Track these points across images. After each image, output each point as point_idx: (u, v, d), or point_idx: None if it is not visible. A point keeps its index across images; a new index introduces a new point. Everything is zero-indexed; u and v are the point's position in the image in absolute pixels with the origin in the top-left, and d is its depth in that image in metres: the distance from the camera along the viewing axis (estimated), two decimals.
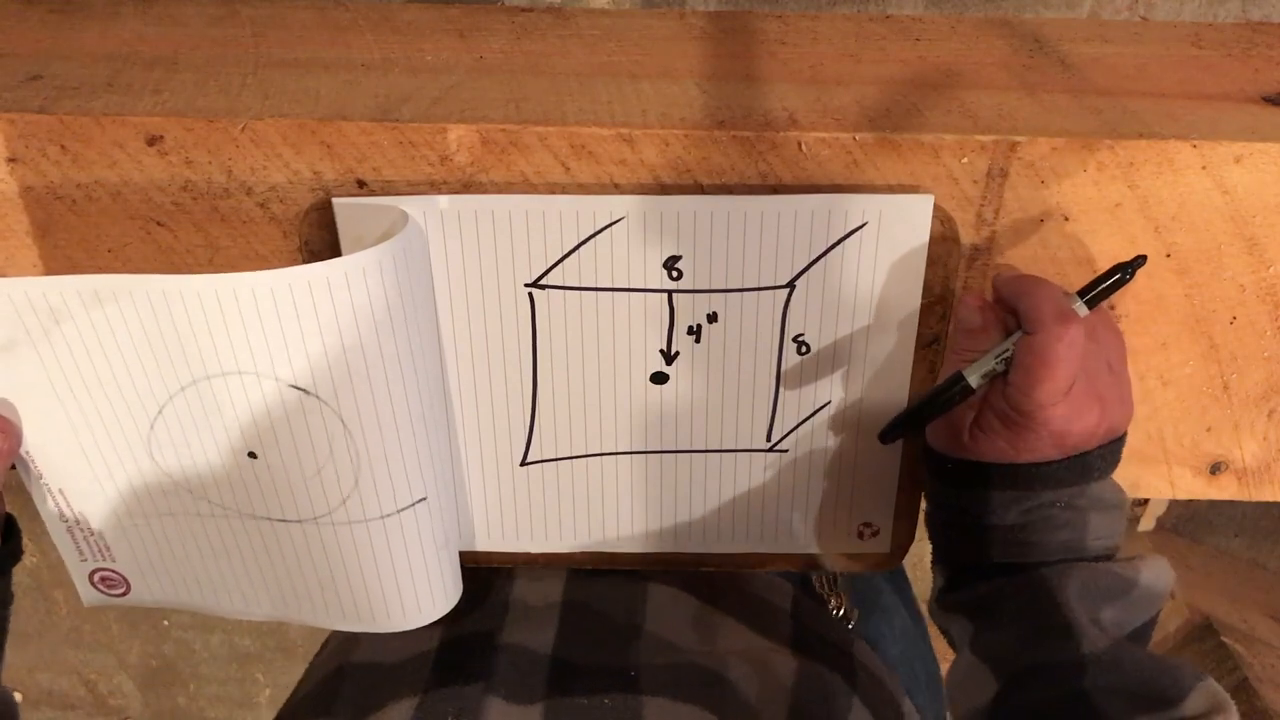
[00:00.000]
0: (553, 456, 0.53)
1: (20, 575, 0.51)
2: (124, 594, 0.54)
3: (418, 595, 0.51)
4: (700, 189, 0.47)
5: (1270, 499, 0.57)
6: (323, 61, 0.50)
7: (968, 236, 0.48)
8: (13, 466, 0.49)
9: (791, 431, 0.52)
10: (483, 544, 0.56)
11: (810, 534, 0.56)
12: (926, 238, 0.47)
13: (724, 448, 0.53)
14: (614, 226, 0.47)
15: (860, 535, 0.56)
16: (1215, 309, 0.51)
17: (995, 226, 0.48)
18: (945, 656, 0.55)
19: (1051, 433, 0.44)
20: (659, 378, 0.51)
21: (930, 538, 0.52)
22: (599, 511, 0.55)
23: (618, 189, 0.47)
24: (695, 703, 0.49)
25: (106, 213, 0.47)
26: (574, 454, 0.53)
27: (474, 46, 0.52)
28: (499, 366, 0.50)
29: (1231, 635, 1.30)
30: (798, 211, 0.46)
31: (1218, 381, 0.53)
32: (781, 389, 0.51)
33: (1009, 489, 0.46)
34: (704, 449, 0.53)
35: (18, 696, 0.51)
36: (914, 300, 0.49)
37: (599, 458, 0.53)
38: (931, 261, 0.48)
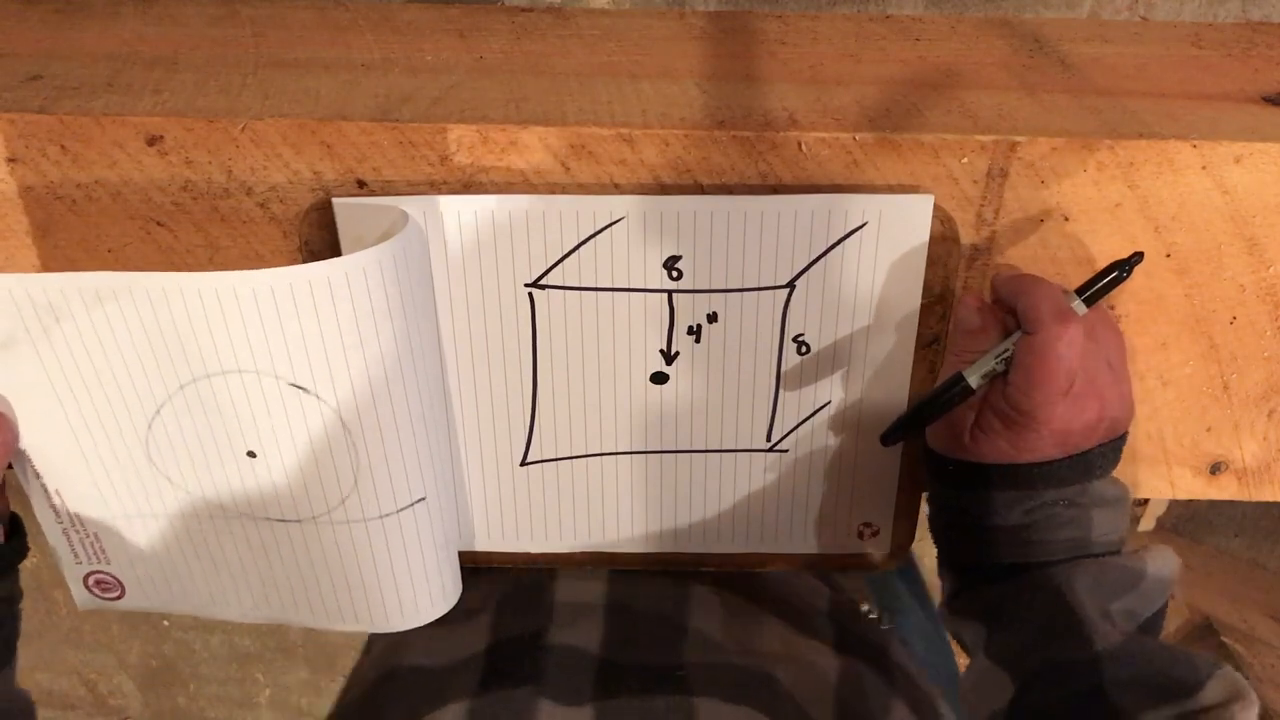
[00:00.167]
0: (553, 456, 0.53)
1: (20, 575, 0.50)
2: (118, 597, 0.54)
3: (416, 595, 0.51)
4: (700, 189, 0.47)
5: (1270, 499, 0.57)
6: (323, 61, 0.50)
7: (968, 236, 0.48)
8: (10, 466, 0.49)
9: (791, 431, 0.52)
10: (482, 544, 0.56)
11: (810, 534, 0.56)
12: (926, 238, 0.47)
13: (724, 448, 0.53)
14: (614, 226, 0.47)
15: (860, 535, 0.56)
16: (1215, 309, 0.51)
17: (995, 226, 0.48)
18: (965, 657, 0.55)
19: (1052, 431, 0.44)
20: (659, 378, 0.51)
21: (935, 541, 0.52)
22: (599, 511, 0.55)
23: (618, 189, 0.47)
24: (745, 703, 0.49)
25: (106, 213, 0.47)
26: (574, 454, 0.53)
27: (474, 46, 0.52)
28: (499, 366, 0.50)
29: (1231, 635, 1.30)
30: (798, 211, 0.46)
31: (1218, 381, 0.53)
32: (781, 389, 0.51)
33: (1011, 489, 0.45)
34: (704, 449, 0.53)
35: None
36: (914, 300, 0.49)
37: (599, 458, 0.53)
38: (931, 261, 0.48)
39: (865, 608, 0.60)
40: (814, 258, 0.48)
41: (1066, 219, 0.48)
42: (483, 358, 0.50)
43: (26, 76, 0.48)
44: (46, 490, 0.49)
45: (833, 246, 0.47)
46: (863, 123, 0.46)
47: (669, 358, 0.50)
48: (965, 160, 0.46)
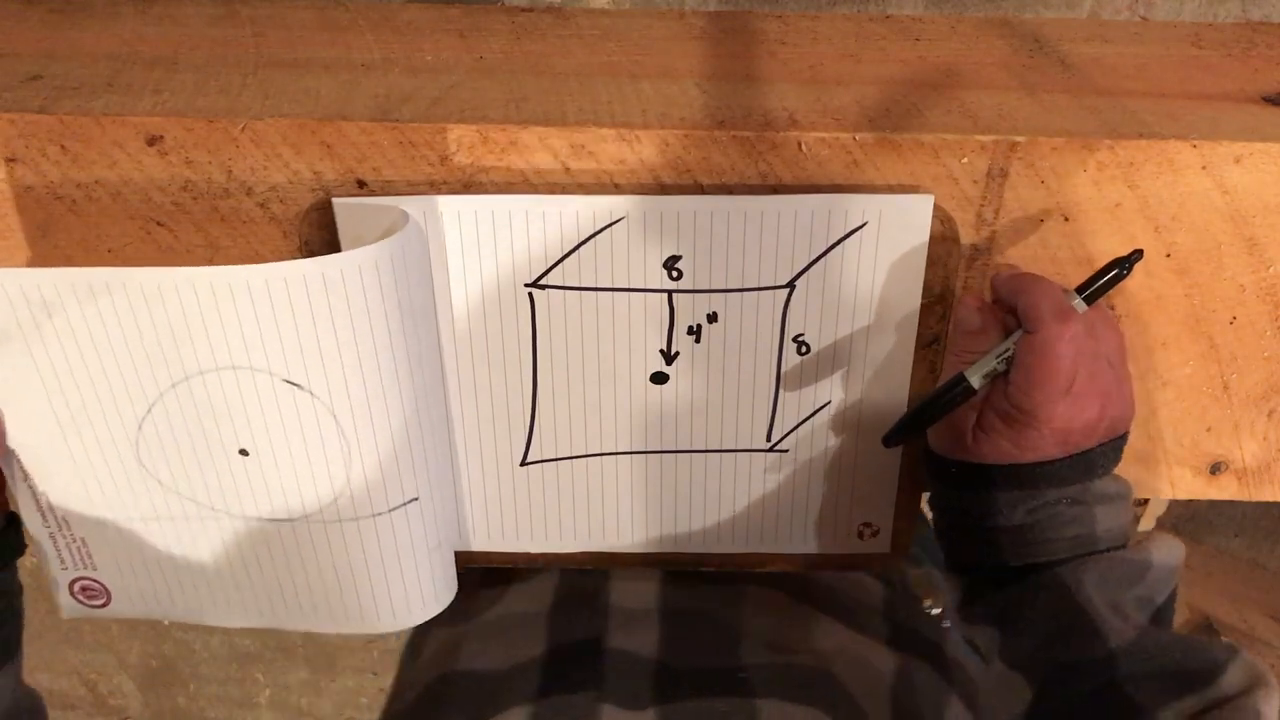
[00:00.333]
0: (553, 456, 0.53)
1: (21, 575, 0.50)
2: (104, 605, 0.53)
3: (407, 596, 0.51)
4: (700, 189, 0.47)
5: (1270, 499, 0.57)
6: (323, 61, 0.50)
7: (968, 236, 0.48)
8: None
9: (791, 431, 0.52)
10: (482, 544, 0.56)
11: (810, 534, 0.56)
12: (926, 238, 0.47)
13: (724, 448, 0.53)
14: (614, 226, 0.47)
15: (860, 535, 0.56)
16: (1215, 309, 0.51)
17: (995, 226, 0.48)
18: None
19: (1054, 430, 0.44)
20: (659, 378, 0.51)
21: (939, 545, 0.52)
22: (599, 511, 0.55)
23: (618, 189, 0.47)
24: (807, 703, 0.49)
25: (106, 213, 0.47)
26: (574, 454, 0.53)
27: (474, 46, 0.52)
28: (499, 366, 0.50)
29: (1231, 635, 1.30)
30: (798, 211, 0.46)
31: (1218, 381, 0.53)
32: (781, 389, 0.51)
33: (1014, 489, 0.45)
34: (704, 449, 0.53)
35: None
36: (914, 300, 0.49)
37: (599, 458, 0.53)
38: (931, 261, 0.48)
39: (928, 603, 0.60)
40: (814, 258, 0.48)
41: (1066, 219, 0.48)
42: (483, 358, 0.50)
43: (26, 76, 0.48)
44: (34, 492, 0.49)
45: (833, 246, 0.47)
46: (863, 123, 0.46)
47: (669, 358, 0.50)
48: (965, 160, 0.46)
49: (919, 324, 0.50)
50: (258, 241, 0.48)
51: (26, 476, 0.49)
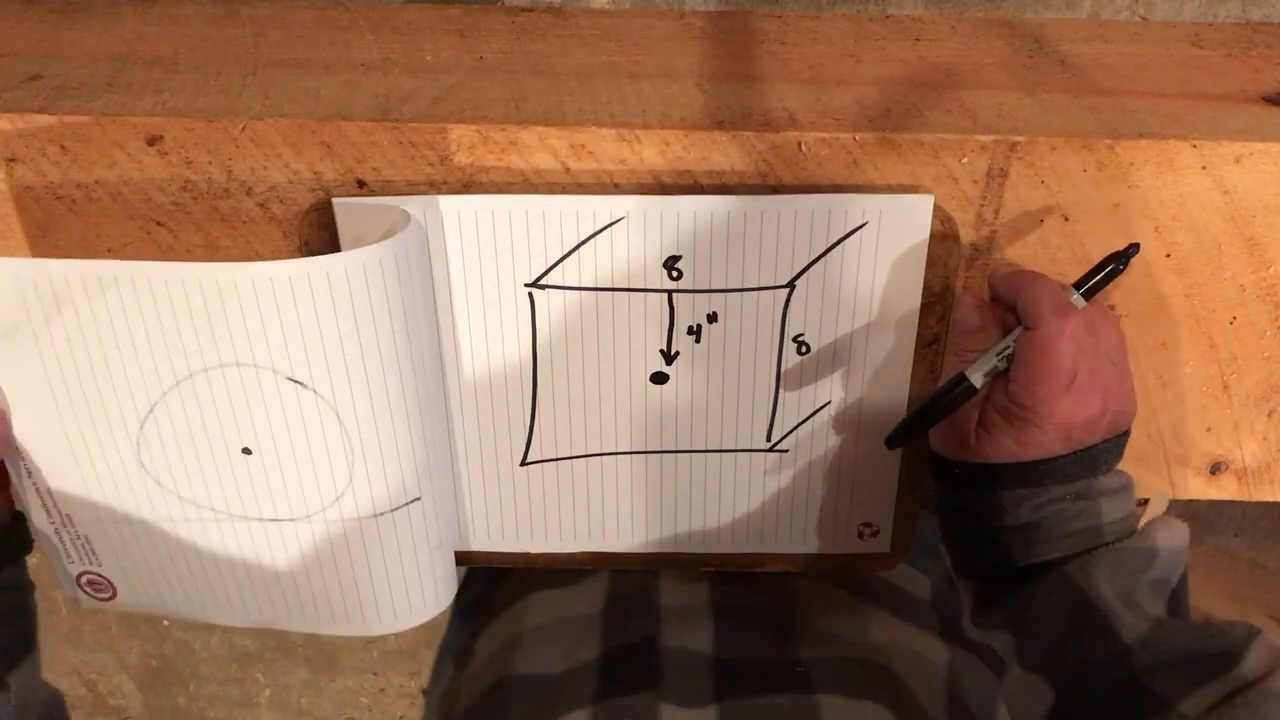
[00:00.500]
0: (553, 456, 0.53)
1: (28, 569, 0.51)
2: (110, 598, 0.54)
3: (409, 596, 0.51)
4: (700, 189, 0.47)
5: (1270, 499, 0.57)
6: (323, 61, 0.50)
7: (968, 236, 0.48)
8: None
9: (791, 431, 0.52)
10: (482, 544, 0.56)
11: (810, 534, 0.56)
12: (926, 237, 0.47)
13: (724, 448, 0.53)
14: (614, 226, 0.47)
15: (860, 535, 0.56)
16: (1215, 309, 0.51)
17: (995, 226, 0.48)
18: None
19: (1057, 426, 0.44)
20: (659, 378, 0.51)
21: (947, 550, 0.52)
22: (599, 512, 0.55)
23: (618, 189, 0.47)
24: (867, 697, 0.49)
25: (106, 213, 0.47)
26: (574, 454, 0.53)
27: (474, 46, 0.52)
28: (499, 366, 0.50)
29: None
30: (798, 211, 0.46)
31: (1218, 381, 0.53)
32: (781, 389, 0.51)
33: (1018, 487, 0.45)
34: (704, 449, 0.53)
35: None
36: (914, 300, 0.49)
37: (599, 458, 0.53)
38: (931, 261, 0.48)
39: None
40: (814, 258, 0.48)
41: (1066, 219, 0.48)
42: (483, 358, 0.50)
43: (26, 76, 0.48)
44: (38, 489, 0.49)
45: (833, 246, 0.47)
46: (863, 123, 0.46)
47: (669, 358, 0.50)
48: (965, 160, 0.46)
49: (919, 324, 0.50)
50: (258, 241, 0.48)
51: (30, 473, 0.49)
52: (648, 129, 0.45)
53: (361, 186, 0.46)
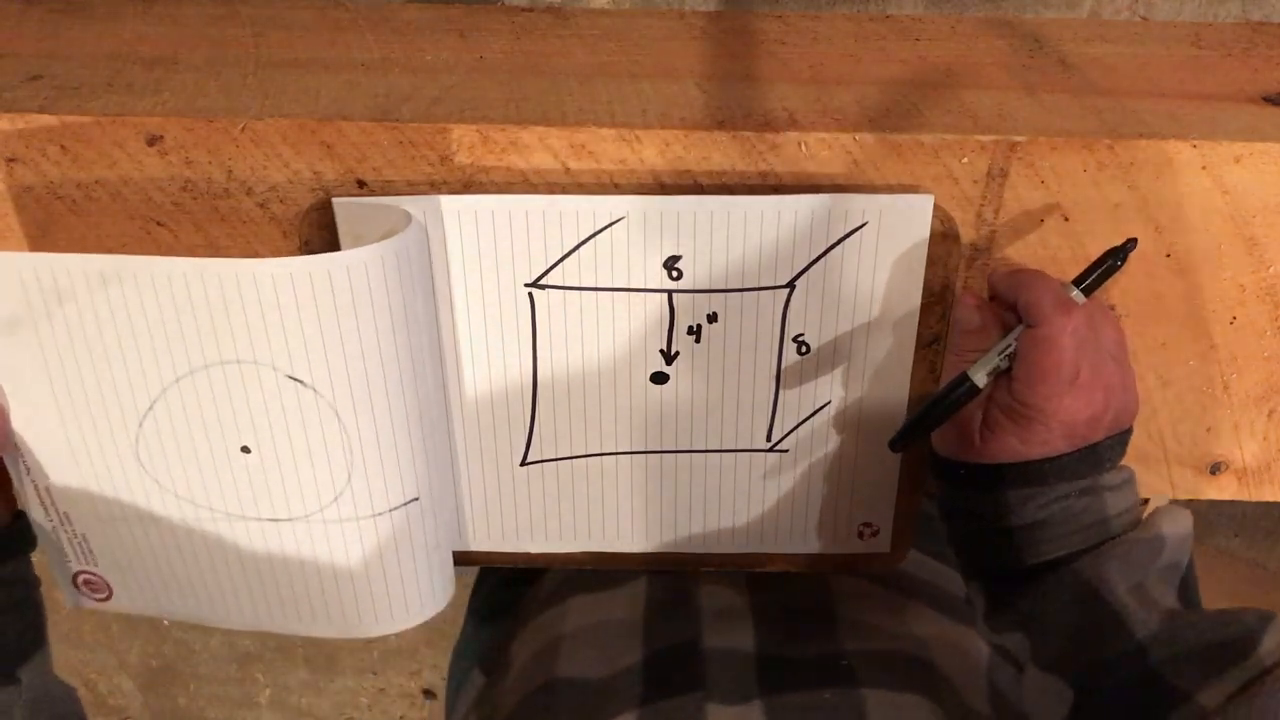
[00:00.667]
0: (553, 456, 0.53)
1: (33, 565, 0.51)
2: (106, 599, 0.53)
3: (407, 596, 0.51)
4: (700, 189, 0.47)
5: (1270, 499, 0.57)
6: (323, 61, 0.50)
7: (968, 236, 0.48)
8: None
9: (791, 431, 0.52)
10: (482, 544, 0.56)
11: (811, 534, 0.56)
12: (926, 237, 0.47)
13: (724, 448, 0.53)
14: (614, 226, 0.47)
15: (860, 535, 0.56)
16: (1215, 309, 0.51)
17: (995, 226, 0.48)
18: None
19: (1060, 423, 0.44)
20: (659, 378, 0.51)
21: (955, 554, 0.51)
22: (599, 512, 0.55)
23: (618, 189, 0.47)
24: (911, 690, 0.49)
25: (106, 213, 0.47)
26: (574, 454, 0.53)
27: (474, 46, 0.52)
28: (499, 366, 0.50)
29: None
30: (798, 211, 0.46)
31: (1218, 381, 0.53)
32: (781, 389, 0.51)
33: (1024, 486, 0.45)
34: (704, 449, 0.53)
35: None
36: (914, 300, 0.49)
37: (599, 458, 0.53)
38: (931, 261, 0.48)
39: None
40: (814, 258, 0.48)
41: (1066, 219, 0.48)
42: (483, 358, 0.50)
43: (26, 76, 0.48)
44: (36, 486, 0.49)
45: (833, 246, 0.47)
46: (863, 123, 0.46)
47: (669, 358, 0.50)
48: (965, 160, 0.46)
49: (919, 323, 0.50)
50: (258, 241, 0.48)
51: (29, 471, 0.49)
52: (648, 129, 0.45)
53: (361, 186, 0.46)
